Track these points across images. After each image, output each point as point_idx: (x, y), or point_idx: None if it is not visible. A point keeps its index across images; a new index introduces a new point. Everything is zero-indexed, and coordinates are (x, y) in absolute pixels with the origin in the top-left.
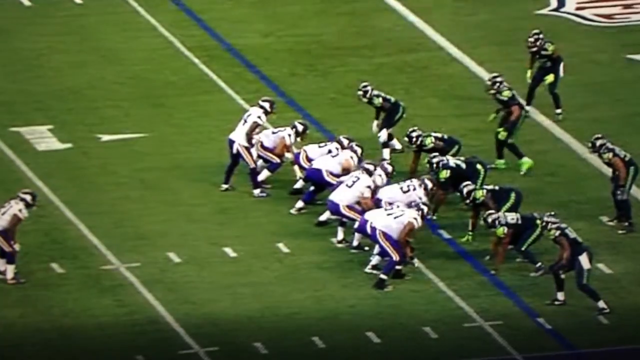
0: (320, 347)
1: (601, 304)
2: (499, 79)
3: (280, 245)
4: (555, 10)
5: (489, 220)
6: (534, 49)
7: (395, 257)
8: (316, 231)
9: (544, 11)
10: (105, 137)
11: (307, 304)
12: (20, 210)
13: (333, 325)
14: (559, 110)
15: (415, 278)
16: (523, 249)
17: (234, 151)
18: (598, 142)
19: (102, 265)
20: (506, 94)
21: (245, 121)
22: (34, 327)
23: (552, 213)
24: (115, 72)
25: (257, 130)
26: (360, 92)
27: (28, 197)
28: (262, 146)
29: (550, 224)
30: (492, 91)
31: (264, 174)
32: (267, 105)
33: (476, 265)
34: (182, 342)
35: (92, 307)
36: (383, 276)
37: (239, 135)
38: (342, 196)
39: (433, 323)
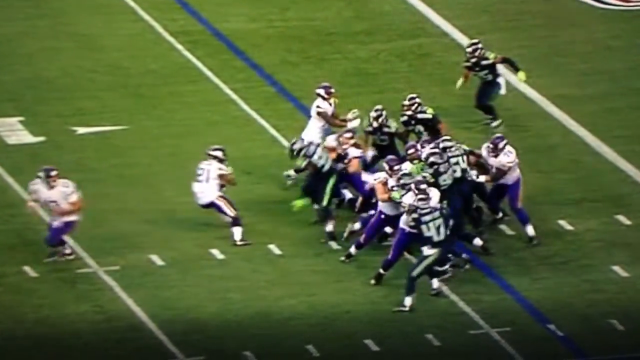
0: (315, 356)
1: (407, 301)
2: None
3: (272, 247)
4: None
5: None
6: (474, 60)
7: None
8: (310, 232)
9: None
10: (81, 130)
11: (301, 310)
12: (220, 169)
13: (328, 332)
14: (495, 123)
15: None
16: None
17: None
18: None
19: (78, 268)
20: (394, 125)
21: (311, 116)
22: (6, 335)
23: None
24: (91, 59)
25: (323, 120)
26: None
27: (219, 153)
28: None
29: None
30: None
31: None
32: (322, 91)
33: (482, 266)
34: (165, 351)
35: (68, 313)
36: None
37: (307, 133)
38: None
39: (435, 330)
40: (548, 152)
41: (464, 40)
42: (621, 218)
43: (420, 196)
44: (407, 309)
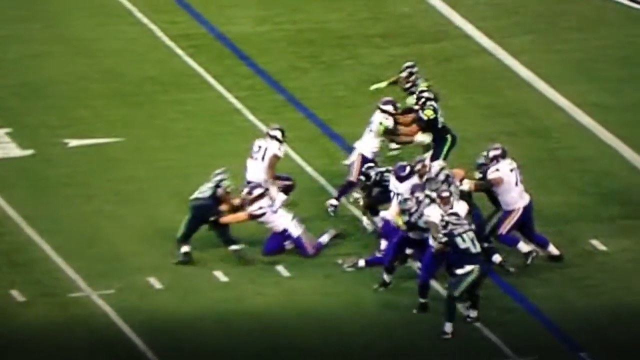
0: None
1: (448, 327)
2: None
3: (279, 268)
4: None
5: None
6: (408, 85)
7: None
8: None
9: None
10: (74, 142)
11: (310, 335)
12: (279, 148)
13: (340, 358)
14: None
15: (434, 304)
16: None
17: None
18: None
19: (70, 292)
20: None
21: (371, 130)
22: None
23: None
24: (84, 65)
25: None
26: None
27: (279, 133)
28: None
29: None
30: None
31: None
32: (389, 107)
33: (505, 287)
34: None
35: (59, 340)
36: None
37: (361, 144)
38: None
39: (456, 357)
40: (580, 165)
41: (489, 44)
42: None
43: (450, 211)
44: (449, 336)
